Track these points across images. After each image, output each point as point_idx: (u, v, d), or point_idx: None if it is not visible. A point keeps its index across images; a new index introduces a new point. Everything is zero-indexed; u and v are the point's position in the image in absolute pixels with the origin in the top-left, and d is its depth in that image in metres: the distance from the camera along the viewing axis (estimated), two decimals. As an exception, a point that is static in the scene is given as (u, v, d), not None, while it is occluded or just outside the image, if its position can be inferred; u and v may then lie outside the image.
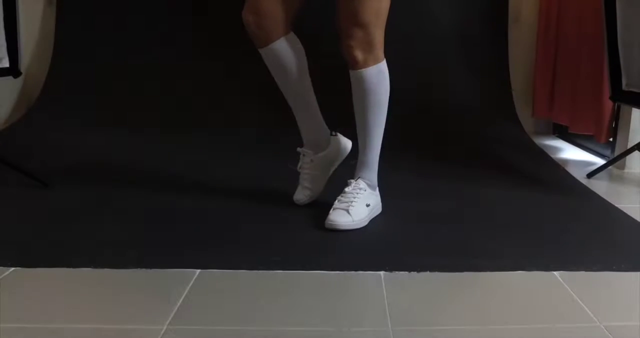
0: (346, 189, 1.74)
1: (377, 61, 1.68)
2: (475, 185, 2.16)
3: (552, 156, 2.67)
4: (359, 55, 1.65)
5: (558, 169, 2.44)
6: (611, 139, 2.53)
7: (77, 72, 3.07)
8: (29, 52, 3.10)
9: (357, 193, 1.72)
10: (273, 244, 1.58)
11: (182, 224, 1.72)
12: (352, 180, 1.77)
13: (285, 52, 1.69)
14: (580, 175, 2.33)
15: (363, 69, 1.67)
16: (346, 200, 1.70)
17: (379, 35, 1.66)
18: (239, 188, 2.06)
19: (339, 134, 1.90)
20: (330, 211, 1.69)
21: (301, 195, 1.87)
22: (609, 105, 2.45)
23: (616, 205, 1.94)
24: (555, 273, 1.43)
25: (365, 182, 1.76)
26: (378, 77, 1.69)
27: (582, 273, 1.44)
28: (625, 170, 2.42)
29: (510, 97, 3.13)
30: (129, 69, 3.07)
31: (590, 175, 2.30)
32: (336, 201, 1.72)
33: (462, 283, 1.39)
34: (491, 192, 2.08)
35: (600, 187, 2.18)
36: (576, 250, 1.58)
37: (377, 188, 1.81)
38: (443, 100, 3.07)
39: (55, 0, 3.11)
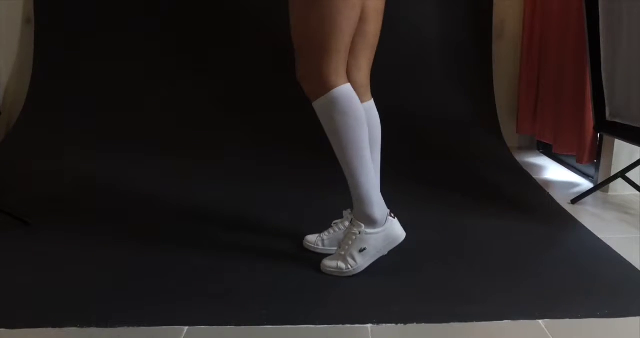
0: (342, 236, 1.75)
1: (326, 90, 1.51)
2: (456, 213, 2.17)
3: (536, 176, 2.68)
4: (306, 86, 1.53)
5: (542, 193, 2.45)
6: (595, 161, 2.54)
7: (58, 93, 3.03)
8: (7, 72, 3.05)
9: (350, 240, 1.67)
10: (259, 295, 1.56)
11: (167, 276, 1.68)
12: (347, 222, 1.76)
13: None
14: (563, 198, 2.35)
15: (314, 102, 1.54)
16: (340, 247, 1.69)
17: (320, 61, 1.48)
18: (225, 229, 2.03)
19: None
20: (324, 260, 1.70)
21: (314, 241, 1.83)
22: (591, 126, 2.46)
23: (600, 236, 1.95)
24: (541, 322, 1.44)
25: (360, 223, 1.65)
26: (329, 108, 1.51)
27: (567, 321, 1.45)
28: (610, 193, 2.43)
29: (494, 113, 3.14)
30: (111, 88, 3.04)
31: (575, 200, 2.31)
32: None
33: (450, 335, 1.40)
34: (473, 222, 2.09)
35: (584, 213, 2.19)
36: (560, 294, 1.58)
37: (383, 221, 1.65)
38: (427, 115, 3.08)
39: (33, 19, 3.06)
